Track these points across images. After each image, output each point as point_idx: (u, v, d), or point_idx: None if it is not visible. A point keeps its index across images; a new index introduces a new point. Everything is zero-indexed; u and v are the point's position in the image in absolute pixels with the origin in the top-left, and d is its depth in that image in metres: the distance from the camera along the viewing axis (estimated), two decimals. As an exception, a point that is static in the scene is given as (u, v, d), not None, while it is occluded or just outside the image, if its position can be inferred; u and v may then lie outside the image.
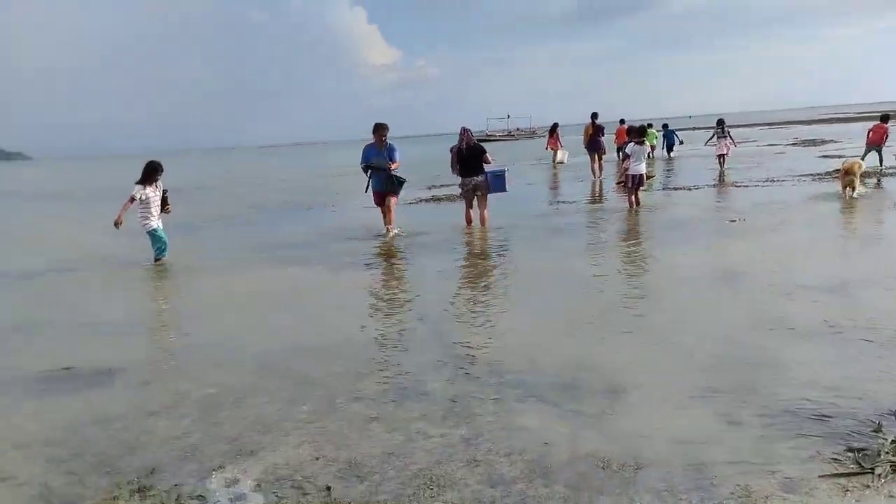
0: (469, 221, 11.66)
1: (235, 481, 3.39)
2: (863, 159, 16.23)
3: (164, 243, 10.08)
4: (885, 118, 17.81)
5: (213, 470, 3.51)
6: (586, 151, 20.78)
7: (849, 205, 11.48)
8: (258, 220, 15.75)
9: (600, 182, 18.87)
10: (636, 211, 12.49)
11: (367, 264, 9.23)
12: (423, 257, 9.44)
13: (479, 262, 9.01)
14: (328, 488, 3.23)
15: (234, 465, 3.55)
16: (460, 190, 11.81)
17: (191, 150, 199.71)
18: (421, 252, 9.79)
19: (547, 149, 28.48)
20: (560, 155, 27.20)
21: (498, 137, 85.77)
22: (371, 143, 11.07)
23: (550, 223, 11.85)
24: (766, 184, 15.40)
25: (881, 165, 16.55)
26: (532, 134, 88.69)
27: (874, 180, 14.55)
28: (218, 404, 4.43)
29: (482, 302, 6.83)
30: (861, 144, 18.90)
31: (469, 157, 11.39)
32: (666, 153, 27.81)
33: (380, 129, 10.90)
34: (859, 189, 12.14)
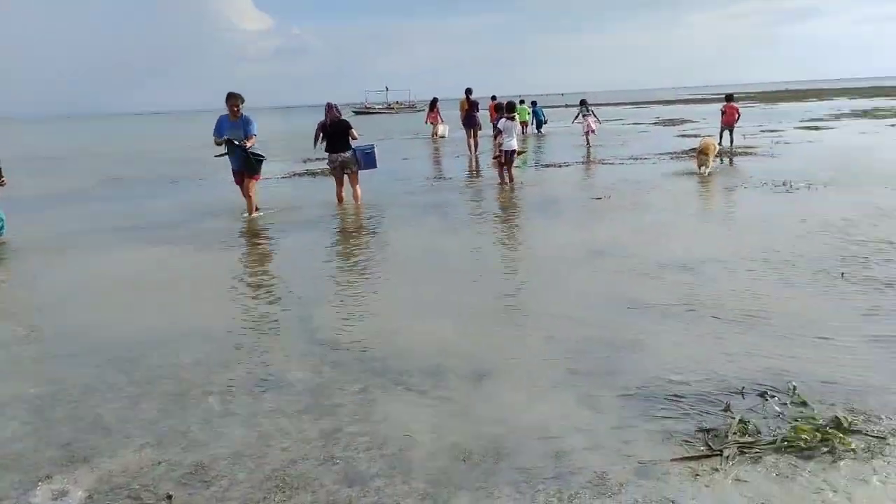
0: (340, 199, 11.38)
1: (64, 493, 3.06)
2: (720, 139, 17.30)
3: (1, 220, 9.17)
4: (729, 97, 18.95)
5: (40, 480, 3.17)
6: (462, 127, 20.91)
7: (704, 182, 12.14)
8: (116, 194, 14.68)
9: (476, 158, 19.00)
10: (510, 187, 12.67)
11: (232, 245, 8.78)
12: (291, 237, 9.09)
13: (349, 242, 8.78)
14: (169, 497, 2.98)
15: (63, 474, 3.21)
16: (329, 167, 11.50)
17: (56, 118, 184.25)
18: (290, 231, 9.43)
19: (426, 123, 28.47)
20: (441, 129, 27.26)
21: (377, 110, 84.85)
22: (225, 115, 10.20)
23: (424, 200, 11.76)
24: (630, 161, 16.03)
25: (731, 146, 17.61)
26: (411, 107, 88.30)
27: (727, 160, 15.47)
28: (53, 404, 4.03)
29: (350, 284, 6.64)
30: (714, 124, 20.03)
31: (334, 132, 11.10)
32: (536, 130, 28.62)
33: (232, 99, 9.93)
34: (712, 166, 12.97)
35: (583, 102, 21.28)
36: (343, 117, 11.26)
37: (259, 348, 4.86)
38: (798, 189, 10.79)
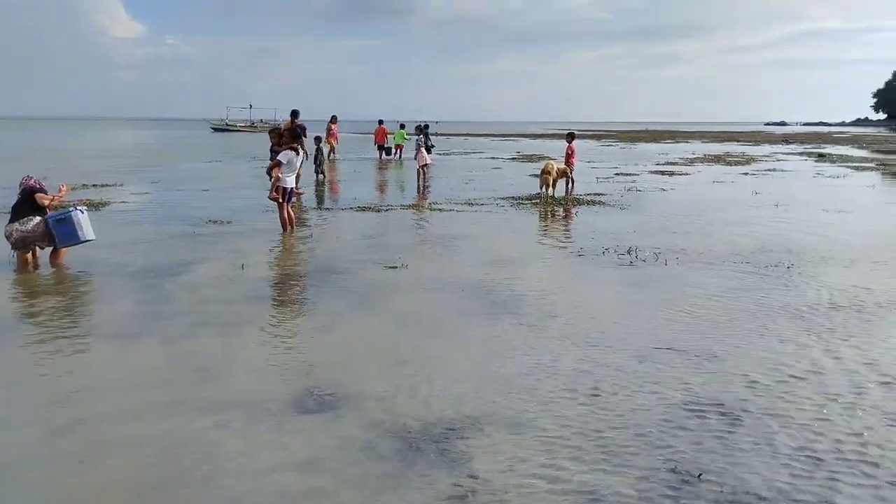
0: (25, 263, 8.08)
1: None
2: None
3: None
4: (570, 136, 17.35)
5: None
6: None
7: (535, 244, 9.69)
8: None
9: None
10: (290, 233, 10.24)
11: None
12: None
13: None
14: None
15: None
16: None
17: None
18: None
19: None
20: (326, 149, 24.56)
21: (238, 128, 79.63)
22: None
23: (159, 260, 8.51)
24: (464, 207, 13.50)
25: (566, 191, 15.59)
26: (276, 128, 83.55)
27: (575, 207, 13.31)
28: None
29: None
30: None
31: (19, 202, 8.15)
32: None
33: None
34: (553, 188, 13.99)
35: (420, 129, 18.70)
36: (36, 185, 8.22)
37: None
38: (644, 261, 8.54)
